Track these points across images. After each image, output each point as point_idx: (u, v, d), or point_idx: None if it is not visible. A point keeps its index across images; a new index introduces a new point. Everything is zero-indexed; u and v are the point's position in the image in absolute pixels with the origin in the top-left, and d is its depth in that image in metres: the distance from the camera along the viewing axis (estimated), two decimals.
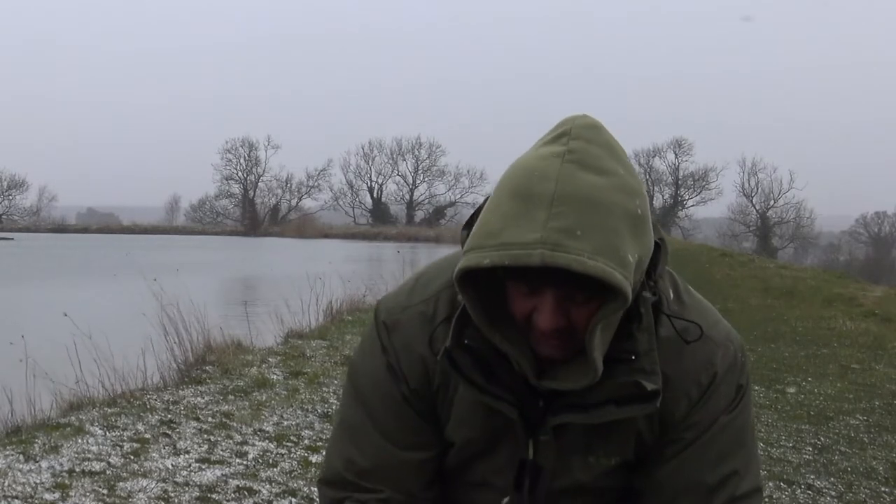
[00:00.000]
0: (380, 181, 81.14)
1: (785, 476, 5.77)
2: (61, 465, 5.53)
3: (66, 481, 5.23)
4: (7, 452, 5.72)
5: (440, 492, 1.70)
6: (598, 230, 1.34)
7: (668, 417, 1.55)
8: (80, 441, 6.04)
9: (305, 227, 72.33)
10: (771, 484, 5.61)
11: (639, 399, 1.48)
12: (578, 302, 1.41)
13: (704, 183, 74.39)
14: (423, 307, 1.62)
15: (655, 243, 1.50)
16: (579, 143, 1.40)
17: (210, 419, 6.80)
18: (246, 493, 5.20)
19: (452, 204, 77.51)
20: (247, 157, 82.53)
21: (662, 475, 1.57)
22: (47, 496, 5.00)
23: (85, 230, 74.85)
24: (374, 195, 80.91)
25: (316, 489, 5.46)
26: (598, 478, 1.60)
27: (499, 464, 1.63)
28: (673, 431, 1.57)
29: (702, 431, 1.56)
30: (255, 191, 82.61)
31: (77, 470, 5.45)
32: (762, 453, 6.30)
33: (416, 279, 1.69)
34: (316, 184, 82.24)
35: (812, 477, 5.79)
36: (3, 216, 75.69)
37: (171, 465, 5.62)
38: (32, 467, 5.45)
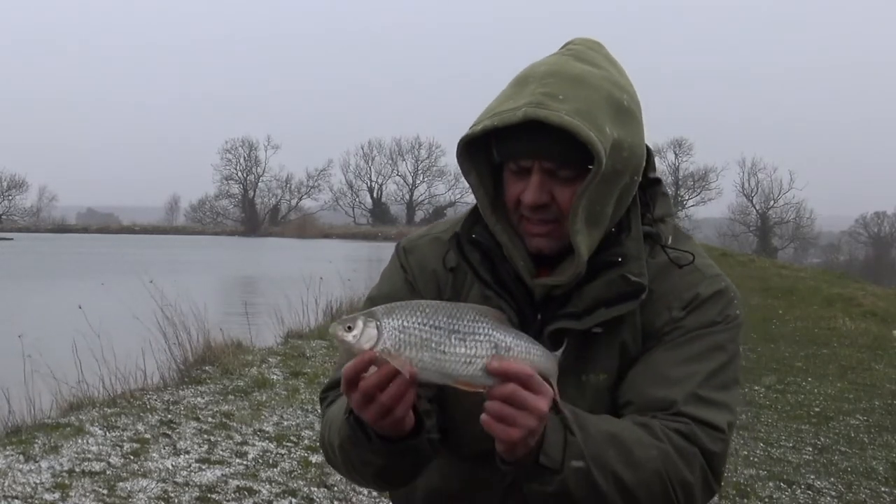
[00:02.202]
0: (380, 181, 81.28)
1: (785, 476, 5.77)
2: (61, 465, 5.52)
3: (66, 481, 5.23)
4: (7, 452, 5.72)
5: (439, 417, 1.67)
6: (580, 100, 1.48)
7: (649, 329, 1.60)
8: (80, 441, 6.03)
9: (305, 228, 72.37)
10: (771, 484, 5.61)
11: (626, 297, 1.55)
12: (563, 179, 1.51)
13: (704, 183, 74.51)
14: (439, 234, 1.76)
15: (653, 182, 1.65)
16: (579, 47, 1.60)
17: (210, 419, 6.80)
18: (246, 493, 5.20)
19: (452, 204, 77.44)
20: (247, 157, 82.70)
21: (636, 373, 1.59)
22: (47, 496, 4.99)
23: (85, 230, 74.90)
24: (374, 195, 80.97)
25: (316, 488, 5.48)
26: (590, 401, 1.60)
27: None
28: (652, 339, 1.60)
29: (678, 336, 1.59)
30: (254, 191, 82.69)
31: (77, 470, 5.44)
32: (762, 453, 6.30)
33: (434, 223, 1.85)
34: (316, 184, 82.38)
35: (812, 477, 5.79)
36: (3, 216, 75.66)
37: (171, 465, 5.62)
38: (32, 467, 5.45)
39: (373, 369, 1.35)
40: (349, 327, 1.38)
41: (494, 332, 1.39)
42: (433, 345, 1.36)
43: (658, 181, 1.68)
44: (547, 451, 1.40)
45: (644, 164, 1.60)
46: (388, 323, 1.37)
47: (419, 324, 1.37)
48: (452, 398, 1.63)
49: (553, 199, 1.53)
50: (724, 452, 1.55)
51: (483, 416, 1.36)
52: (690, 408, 1.52)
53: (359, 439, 1.48)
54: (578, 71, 1.52)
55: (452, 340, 1.37)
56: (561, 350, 1.47)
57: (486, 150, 1.58)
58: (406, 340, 1.36)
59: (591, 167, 1.47)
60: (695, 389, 1.54)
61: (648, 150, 1.63)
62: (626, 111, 1.53)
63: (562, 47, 1.62)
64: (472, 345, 1.37)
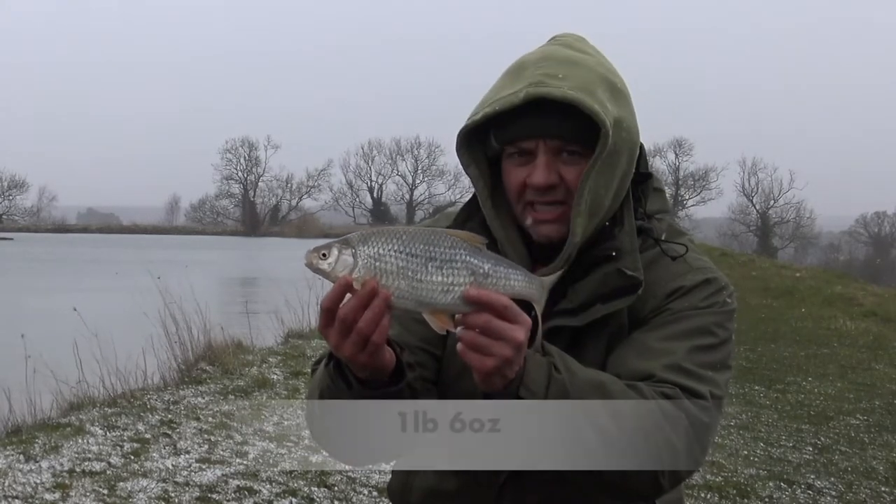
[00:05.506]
0: (380, 181, 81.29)
1: (785, 476, 5.77)
2: (61, 465, 5.52)
3: (67, 481, 5.23)
4: (7, 452, 5.72)
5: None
6: (578, 78, 1.50)
7: (634, 319, 1.59)
8: (80, 441, 6.03)
9: (306, 228, 72.28)
10: (771, 484, 5.61)
11: (622, 292, 1.54)
12: (568, 158, 1.52)
13: (705, 183, 74.50)
14: (441, 225, 1.73)
15: (645, 176, 1.66)
16: (567, 38, 1.64)
17: (210, 419, 6.80)
18: (246, 493, 5.20)
19: (452, 204, 77.21)
20: (247, 157, 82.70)
21: (620, 349, 1.56)
22: (47, 496, 4.99)
23: (85, 230, 74.87)
24: (374, 195, 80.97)
25: (316, 488, 5.47)
26: None
27: None
28: (637, 327, 1.58)
29: (664, 317, 1.57)
30: (255, 191, 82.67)
31: (77, 470, 5.44)
32: (762, 453, 6.30)
33: (436, 217, 1.84)
34: (316, 184, 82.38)
35: (812, 477, 5.79)
36: (4, 216, 75.64)
37: (172, 465, 5.62)
38: (33, 467, 5.45)
39: (348, 297, 1.31)
40: (324, 255, 1.33)
41: (472, 259, 1.34)
42: (409, 273, 1.32)
43: (650, 176, 1.68)
44: (528, 384, 1.37)
45: (638, 150, 1.60)
46: (364, 250, 1.32)
47: (395, 251, 1.32)
48: (450, 390, 1.62)
49: (561, 179, 1.52)
50: (711, 424, 1.51)
51: (458, 345, 1.33)
52: (672, 375, 1.49)
53: (339, 386, 1.44)
54: (572, 55, 1.56)
55: (429, 268, 1.32)
56: (553, 277, 1.44)
57: (482, 144, 1.59)
58: (382, 268, 1.31)
59: (594, 149, 1.48)
60: (677, 361, 1.51)
61: (641, 145, 1.63)
62: (620, 92, 1.55)
63: (549, 40, 1.64)
64: (450, 272, 1.33)
